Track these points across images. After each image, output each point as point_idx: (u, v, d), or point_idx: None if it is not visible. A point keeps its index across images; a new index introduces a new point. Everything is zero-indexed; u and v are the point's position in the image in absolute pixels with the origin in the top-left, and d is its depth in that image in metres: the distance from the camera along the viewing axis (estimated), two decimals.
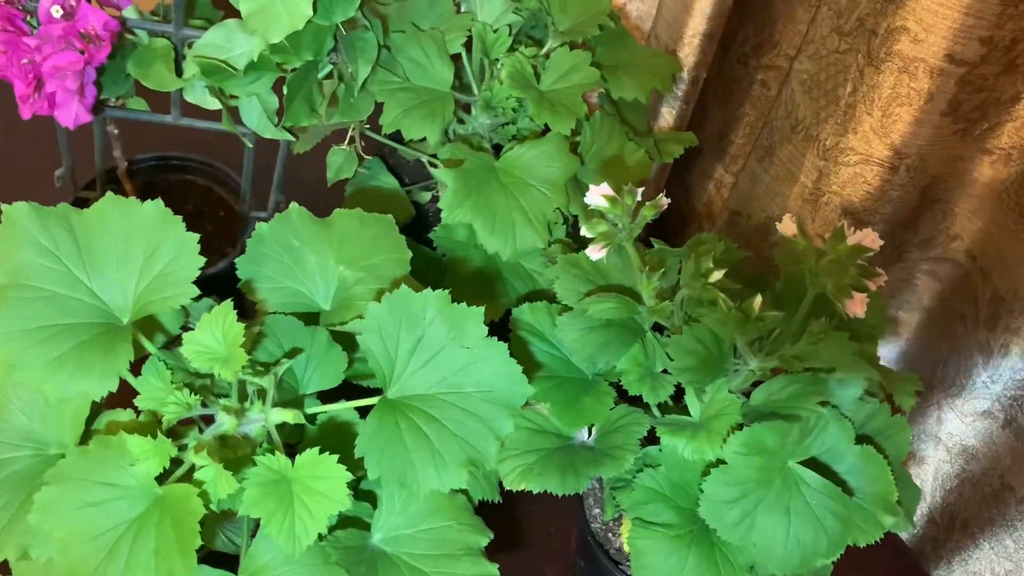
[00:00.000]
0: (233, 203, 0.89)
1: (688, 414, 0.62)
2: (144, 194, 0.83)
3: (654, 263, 0.57)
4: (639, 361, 0.62)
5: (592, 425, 0.63)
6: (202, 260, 0.52)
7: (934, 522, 0.89)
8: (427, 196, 0.91)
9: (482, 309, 0.54)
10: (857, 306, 0.50)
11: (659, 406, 0.61)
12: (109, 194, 0.52)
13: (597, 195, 0.56)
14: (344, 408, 0.53)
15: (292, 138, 0.73)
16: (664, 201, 0.59)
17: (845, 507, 0.56)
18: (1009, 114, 0.73)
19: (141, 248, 0.51)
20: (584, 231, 0.58)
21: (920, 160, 0.76)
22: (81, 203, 0.82)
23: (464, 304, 0.53)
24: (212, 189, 0.90)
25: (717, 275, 0.53)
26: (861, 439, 0.62)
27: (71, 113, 0.65)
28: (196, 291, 0.51)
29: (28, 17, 0.65)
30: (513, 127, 0.81)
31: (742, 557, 0.58)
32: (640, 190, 0.59)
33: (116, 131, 0.78)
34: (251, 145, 0.74)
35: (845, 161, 0.79)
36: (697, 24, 0.90)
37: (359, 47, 0.67)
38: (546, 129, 0.78)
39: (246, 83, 0.66)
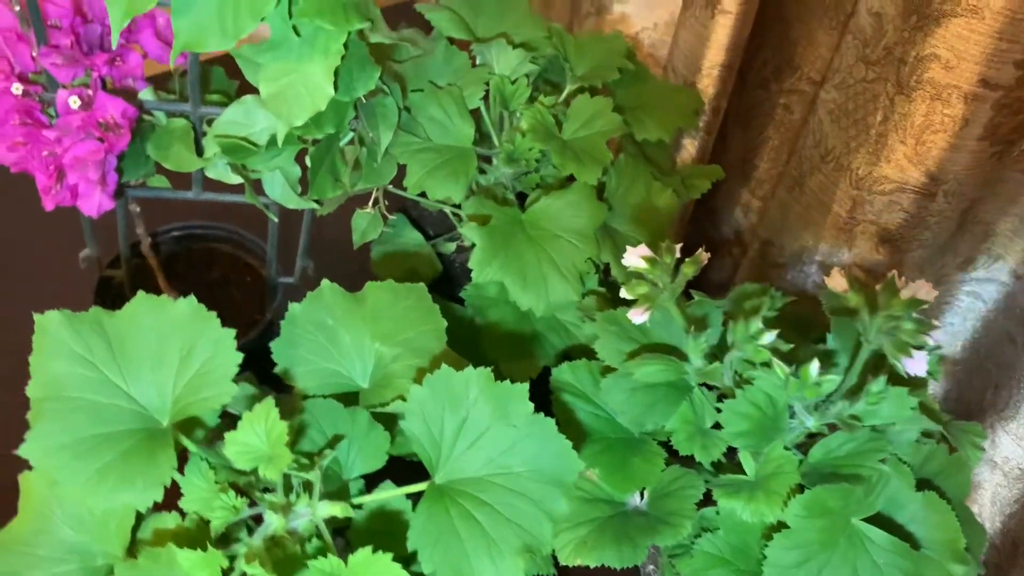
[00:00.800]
0: (259, 268, 0.88)
1: (742, 470, 0.60)
2: (168, 266, 0.83)
3: (699, 322, 0.56)
4: (688, 419, 0.61)
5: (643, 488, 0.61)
6: (240, 356, 0.51)
7: (995, 548, 0.86)
8: (452, 247, 0.90)
9: (526, 386, 0.52)
10: (918, 365, 0.48)
11: (712, 463, 0.59)
12: (140, 293, 0.51)
13: (635, 256, 0.55)
14: (392, 496, 0.52)
15: (316, 206, 0.72)
16: (705, 256, 0.57)
17: (914, 563, 0.54)
18: None
19: (176, 347, 0.50)
20: (624, 293, 0.57)
21: (958, 185, 0.74)
22: (107, 283, 0.81)
23: (507, 382, 0.52)
24: (237, 256, 0.89)
25: (769, 336, 0.51)
26: (921, 484, 0.60)
27: (94, 203, 0.64)
28: (235, 389, 0.50)
29: (45, 107, 0.65)
30: (536, 175, 0.79)
31: None
32: (678, 246, 0.58)
33: (138, 209, 0.77)
34: (275, 219, 0.73)
35: (880, 190, 0.77)
36: (715, 56, 0.89)
37: (380, 113, 0.66)
38: (571, 175, 0.77)
39: (268, 158, 0.65)
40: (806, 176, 0.83)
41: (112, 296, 0.83)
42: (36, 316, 0.50)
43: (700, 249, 0.57)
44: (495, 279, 0.71)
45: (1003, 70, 0.66)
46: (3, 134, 0.63)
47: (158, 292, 0.81)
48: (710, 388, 0.61)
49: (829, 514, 0.53)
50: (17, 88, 0.63)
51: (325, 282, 0.62)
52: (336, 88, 0.55)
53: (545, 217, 0.74)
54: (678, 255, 0.57)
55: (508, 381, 0.52)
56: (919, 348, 0.48)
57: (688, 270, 0.57)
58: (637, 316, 0.55)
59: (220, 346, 0.51)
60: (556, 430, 0.52)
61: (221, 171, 0.68)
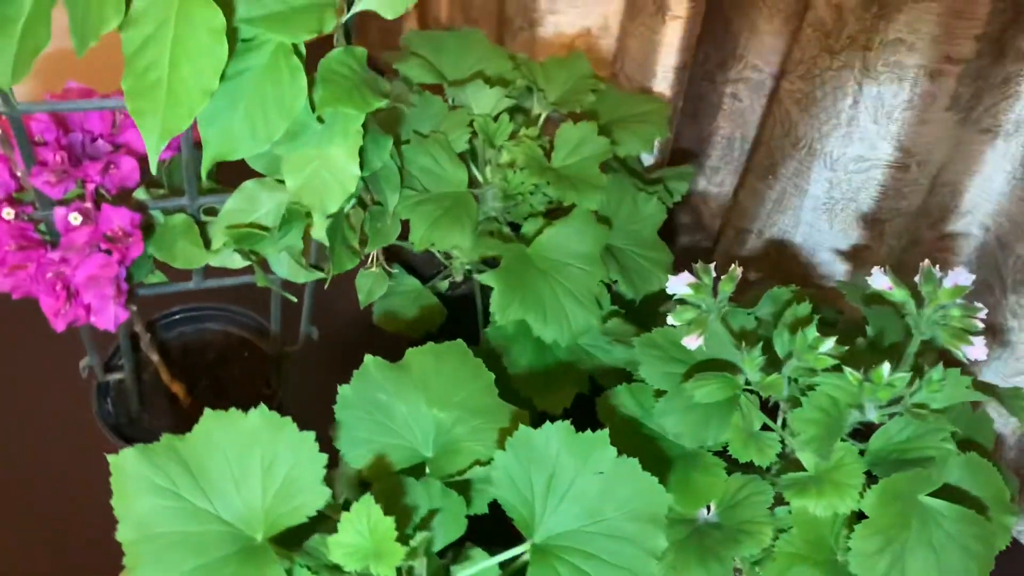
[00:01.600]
0: (254, 341, 0.86)
1: (794, 467, 0.62)
2: (161, 355, 0.81)
3: (749, 336, 0.58)
4: (739, 426, 0.63)
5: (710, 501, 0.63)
6: (324, 457, 0.50)
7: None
8: (445, 284, 0.90)
9: (606, 432, 0.53)
10: (977, 351, 0.51)
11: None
12: (208, 411, 0.50)
13: (681, 284, 0.56)
14: (491, 565, 0.52)
15: (324, 276, 0.71)
16: (738, 271, 0.59)
17: (982, 527, 0.58)
18: (1002, 94, 0.76)
19: (256, 460, 0.49)
20: (672, 320, 0.58)
21: (928, 154, 0.78)
22: (105, 387, 0.79)
23: (588, 432, 0.53)
24: (228, 332, 0.87)
25: (828, 344, 0.53)
26: (959, 445, 0.63)
27: (110, 316, 0.62)
28: (328, 492, 0.49)
29: (38, 226, 0.62)
30: (526, 205, 0.80)
31: None
32: (711, 264, 0.60)
33: (135, 307, 0.74)
34: (288, 294, 0.71)
35: (856, 168, 0.80)
36: (668, 59, 0.91)
37: (384, 177, 0.65)
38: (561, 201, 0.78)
39: (279, 239, 0.64)
40: (778, 164, 0.86)
41: (117, 400, 0.80)
42: (110, 457, 0.48)
43: (734, 265, 0.59)
44: (517, 318, 0.71)
45: (964, 45, 0.70)
46: (0, 260, 0.60)
47: (163, 390, 0.80)
48: (751, 392, 0.63)
49: (902, 498, 0.56)
50: (8, 213, 0.60)
51: (368, 357, 0.61)
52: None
53: (550, 247, 0.75)
54: (714, 273, 0.59)
55: (588, 432, 0.53)
56: (973, 333, 0.51)
57: (727, 287, 0.58)
58: (692, 342, 0.56)
59: (302, 450, 0.50)
60: (640, 469, 0.53)
61: (226, 258, 0.67)
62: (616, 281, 0.77)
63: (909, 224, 0.85)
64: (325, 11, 0.49)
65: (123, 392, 0.81)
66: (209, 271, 0.71)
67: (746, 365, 0.57)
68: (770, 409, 0.65)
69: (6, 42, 0.47)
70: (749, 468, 0.63)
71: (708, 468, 0.63)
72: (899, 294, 0.54)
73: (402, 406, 0.59)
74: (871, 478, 0.59)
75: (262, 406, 0.51)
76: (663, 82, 0.92)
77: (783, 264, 0.93)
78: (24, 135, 0.56)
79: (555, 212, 0.82)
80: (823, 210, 0.85)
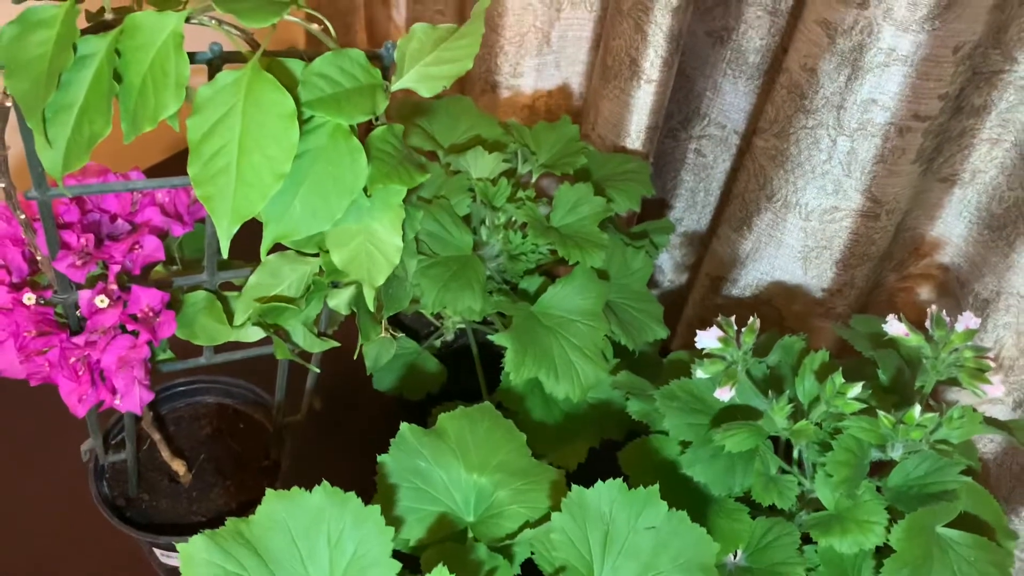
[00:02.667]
0: (250, 413, 0.85)
1: (815, 506, 0.66)
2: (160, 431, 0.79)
3: (775, 384, 0.61)
4: (759, 471, 0.65)
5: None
6: (391, 531, 0.50)
7: None
8: (438, 344, 0.91)
9: (656, 488, 0.55)
10: (996, 389, 0.55)
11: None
12: (269, 491, 0.50)
13: (711, 338, 0.59)
14: None
15: (337, 344, 0.71)
16: (757, 323, 0.62)
17: (995, 552, 0.62)
18: (959, 145, 0.82)
19: (323, 538, 0.49)
20: (700, 374, 0.61)
21: (896, 203, 0.84)
22: (99, 470, 0.76)
23: (640, 488, 0.54)
24: (223, 405, 0.86)
25: (856, 389, 0.56)
26: None
27: (135, 399, 0.60)
28: (398, 565, 0.49)
29: (56, 309, 0.61)
30: (525, 263, 0.82)
31: None
32: (732, 317, 0.63)
33: None
34: (316, 369, 0.71)
35: (830, 219, 0.86)
36: (642, 120, 0.95)
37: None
38: (557, 256, 0.80)
39: (304, 310, 0.64)
40: (753, 216, 0.91)
41: (113, 481, 0.78)
42: (180, 546, 0.47)
43: (753, 317, 0.62)
44: (530, 377, 0.73)
45: (930, 104, 0.75)
46: (19, 347, 0.58)
47: (161, 468, 0.78)
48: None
49: (925, 531, 0.59)
50: (29, 298, 0.58)
51: (404, 425, 0.61)
52: None
53: (554, 305, 0.77)
54: (735, 326, 0.61)
55: (640, 488, 0.54)
56: (987, 372, 0.55)
57: (748, 338, 0.61)
58: (725, 393, 0.59)
59: (367, 525, 0.50)
60: (690, 521, 0.55)
61: (244, 332, 0.66)
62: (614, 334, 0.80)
63: (875, 268, 0.91)
64: (376, 93, 0.51)
65: (118, 473, 0.79)
66: (219, 345, 0.70)
67: (775, 413, 0.60)
68: (782, 453, 0.68)
69: (58, 130, 0.47)
70: (768, 511, 0.66)
71: (732, 514, 0.65)
72: (915, 339, 0.58)
73: (441, 472, 0.60)
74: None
75: (324, 483, 0.50)
76: (636, 141, 0.96)
77: (758, 309, 0.98)
78: (52, 219, 0.56)
79: (546, 268, 0.84)
80: (798, 258, 0.90)
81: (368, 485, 0.60)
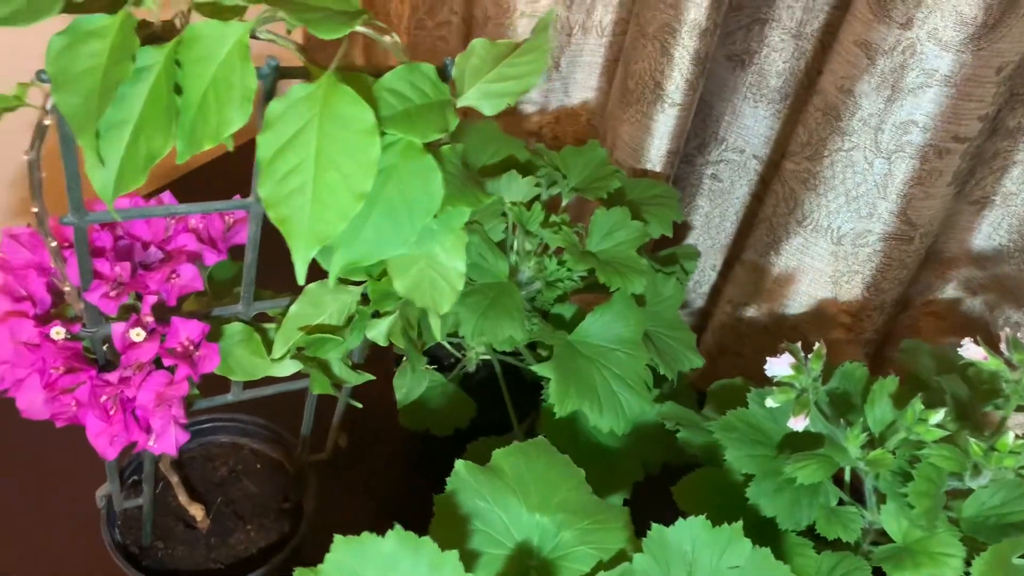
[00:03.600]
0: (267, 452, 0.81)
1: (878, 538, 0.63)
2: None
3: (847, 412, 0.58)
4: (822, 503, 0.63)
5: None
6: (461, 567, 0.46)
7: None
8: (460, 375, 0.87)
9: (739, 525, 0.52)
10: None
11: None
12: (338, 538, 0.46)
13: (783, 366, 0.57)
14: None
15: (372, 378, 0.67)
16: (823, 349, 0.60)
17: None
18: (991, 167, 0.82)
19: None
20: (771, 402, 0.58)
21: (930, 226, 0.83)
22: (111, 516, 0.72)
23: (725, 526, 0.51)
24: (239, 444, 0.81)
25: (939, 416, 0.54)
26: None
27: (171, 439, 0.56)
28: None
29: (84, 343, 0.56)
30: (557, 290, 0.79)
31: None
32: (799, 343, 0.60)
33: None
34: (359, 405, 0.67)
35: (863, 243, 0.84)
36: (664, 145, 0.93)
37: None
38: (590, 283, 0.78)
39: (348, 341, 0.61)
40: (782, 240, 0.89)
41: (125, 528, 0.73)
42: None
43: (818, 343, 0.60)
44: (574, 409, 0.69)
45: (970, 125, 0.75)
46: (46, 385, 0.54)
47: (175, 513, 0.73)
48: None
49: (1005, 563, 0.57)
50: (58, 332, 0.54)
51: (459, 463, 0.58)
52: None
53: (592, 334, 0.74)
54: (803, 353, 0.59)
55: (725, 526, 0.52)
56: None
57: (816, 365, 0.59)
58: (798, 423, 0.57)
59: (444, 571, 0.46)
60: (774, 558, 0.52)
61: (278, 366, 0.63)
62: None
63: (904, 292, 0.90)
64: (446, 109, 0.48)
65: (130, 519, 0.74)
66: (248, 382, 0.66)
67: (849, 442, 0.57)
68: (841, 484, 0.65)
69: (111, 148, 0.43)
70: (830, 545, 0.64)
71: (797, 549, 0.63)
72: (993, 363, 0.56)
73: (501, 513, 0.56)
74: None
75: (397, 527, 0.47)
76: (656, 166, 0.94)
77: (784, 336, 0.96)
78: (86, 247, 0.51)
79: (578, 295, 0.82)
80: (828, 283, 0.88)
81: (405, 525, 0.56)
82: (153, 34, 0.46)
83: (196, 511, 0.74)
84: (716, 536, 0.52)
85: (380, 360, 0.75)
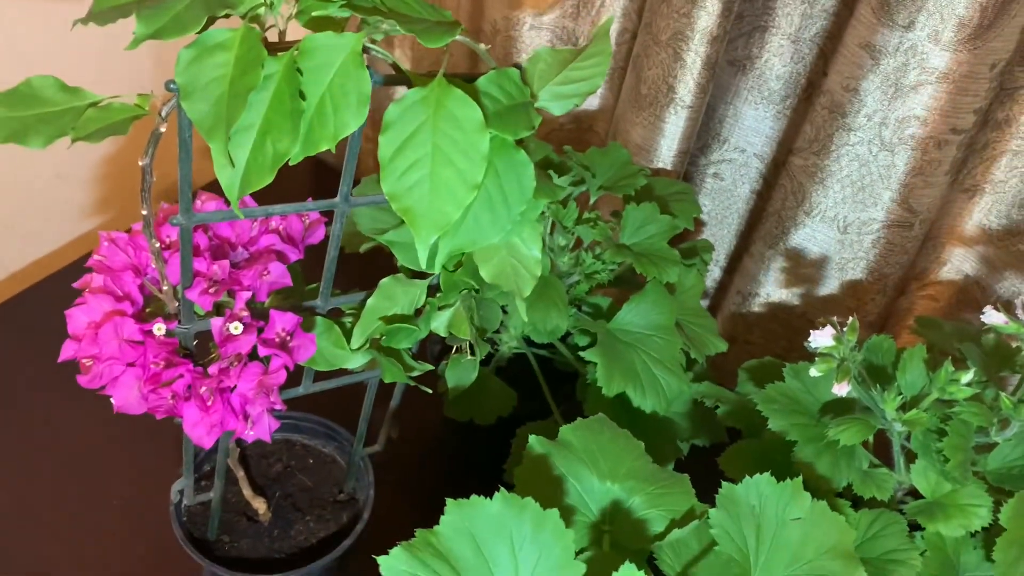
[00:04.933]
0: (321, 447, 0.84)
1: (908, 496, 0.69)
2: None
3: (882, 377, 0.64)
4: (856, 466, 0.69)
5: None
6: (571, 533, 0.51)
7: None
8: (494, 368, 0.92)
9: (800, 480, 0.57)
10: None
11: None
12: (450, 501, 0.50)
13: (825, 337, 0.62)
14: None
15: (432, 367, 0.71)
16: (857, 323, 0.66)
17: None
18: (982, 157, 0.88)
19: (507, 544, 0.49)
20: (814, 372, 0.64)
21: (928, 213, 0.89)
22: (178, 511, 0.75)
23: (787, 480, 0.56)
24: (291, 440, 0.85)
25: (969, 375, 0.60)
26: None
27: (265, 426, 0.60)
28: (582, 567, 0.50)
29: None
30: (592, 282, 0.84)
31: None
32: (835, 318, 0.66)
33: None
34: (424, 387, 0.71)
35: (868, 230, 0.91)
36: (674, 145, 0.99)
37: None
38: (617, 276, 0.83)
39: (421, 332, 0.65)
40: (790, 231, 0.95)
41: (191, 522, 0.76)
42: (380, 559, 0.47)
43: (852, 316, 0.65)
44: (620, 391, 0.74)
45: (965, 118, 0.81)
46: (148, 379, 0.57)
47: (238, 507, 0.76)
48: None
49: None
50: (160, 328, 0.57)
51: (533, 437, 0.62)
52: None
53: (629, 322, 0.79)
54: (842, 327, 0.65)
55: (788, 480, 0.57)
56: None
57: (852, 337, 0.65)
58: (842, 388, 0.62)
59: (547, 529, 0.50)
60: (831, 510, 0.58)
61: (353, 357, 0.66)
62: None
63: (902, 277, 0.96)
64: (530, 109, 0.53)
65: (194, 515, 0.77)
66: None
67: (887, 405, 0.63)
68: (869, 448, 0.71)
69: (237, 150, 0.47)
70: (864, 504, 0.69)
71: (837, 507, 0.68)
72: (1014, 327, 0.62)
73: (575, 482, 0.61)
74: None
75: (502, 490, 0.51)
76: (667, 165, 1.00)
77: (791, 322, 1.02)
78: (190, 247, 0.55)
79: (610, 286, 0.87)
80: (835, 269, 0.95)
81: None
82: (273, 45, 0.51)
83: (259, 505, 0.77)
84: (780, 491, 0.57)
85: (421, 357, 0.79)
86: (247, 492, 0.76)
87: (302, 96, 0.47)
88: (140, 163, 0.52)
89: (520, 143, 0.52)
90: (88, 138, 0.47)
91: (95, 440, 0.91)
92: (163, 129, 0.51)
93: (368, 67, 0.50)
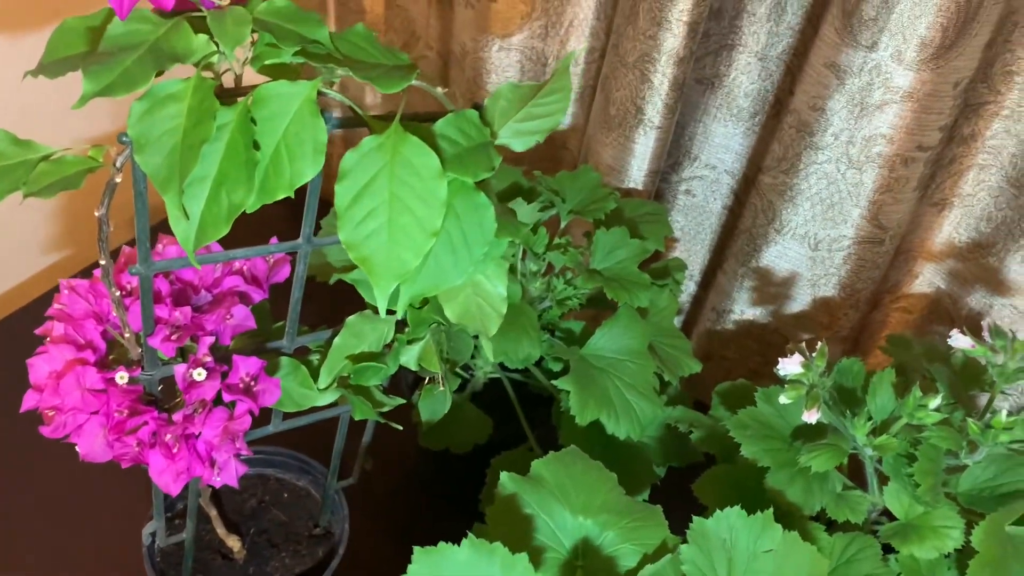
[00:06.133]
0: (295, 481, 0.84)
1: (883, 517, 0.69)
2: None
3: (852, 403, 0.64)
4: (830, 489, 0.69)
5: None
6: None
7: None
8: (469, 395, 0.91)
9: (771, 512, 0.57)
10: None
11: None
12: (417, 550, 0.49)
13: (794, 364, 0.62)
14: None
15: (404, 400, 0.71)
16: (826, 348, 0.66)
17: None
18: (949, 172, 0.89)
19: None
20: (784, 399, 0.64)
21: (898, 228, 0.90)
22: (151, 552, 0.74)
23: (758, 514, 0.56)
24: (265, 475, 0.84)
25: (937, 400, 0.60)
26: None
27: (232, 472, 0.59)
28: None
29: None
30: (563, 309, 0.84)
31: None
32: (803, 342, 0.66)
33: None
34: (394, 423, 0.71)
35: (838, 247, 0.91)
36: (644, 165, 0.99)
37: None
38: (589, 299, 0.83)
39: (388, 367, 0.64)
40: (762, 249, 0.96)
41: (164, 563, 0.75)
42: None
43: (821, 342, 0.65)
44: (594, 418, 0.74)
45: (931, 135, 0.82)
46: (112, 427, 0.57)
47: (212, 546, 0.76)
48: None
49: (999, 530, 0.63)
50: (123, 377, 0.57)
51: (504, 474, 0.62)
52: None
53: (601, 347, 0.79)
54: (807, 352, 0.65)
55: (758, 514, 0.57)
56: None
57: (820, 362, 0.65)
58: (811, 416, 0.62)
59: (516, 574, 0.50)
60: (801, 540, 0.58)
61: (320, 396, 0.66)
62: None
63: (875, 290, 0.97)
64: (489, 150, 0.53)
65: (167, 555, 0.76)
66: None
67: (856, 430, 0.63)
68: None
69: (192, 202, 0.47)
70: (839, 528, 0.69)
71: (810, 533, 0.68)
72: (980, 350, 0.62)
73: (547, 519, 0.61)
74: None
75: (470, 536, 0.51)
76: (638, 185, 1.00)
77: (765, 338, 1.02)
78: (150, 295, 0.55)
79: (582, 308, 0.86)
80: (807, 286, 0.95)
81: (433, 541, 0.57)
82: (227, 92, 0.50)
83: (233, 543, 0.76)
84: (750, 524, 0.57)
85: (394, 387, 0.78)
86: (221, 531, 0.75)
87: (256, 146, 0.46)
88: (96, 214, 0.51)
89: (481, 184, 0.52)
90: (40, 193, 0.47)
91: (64, 482, 0.90)
92: (118, 180, 0.50)
93: (324, 111, 0.50)
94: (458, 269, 0.50)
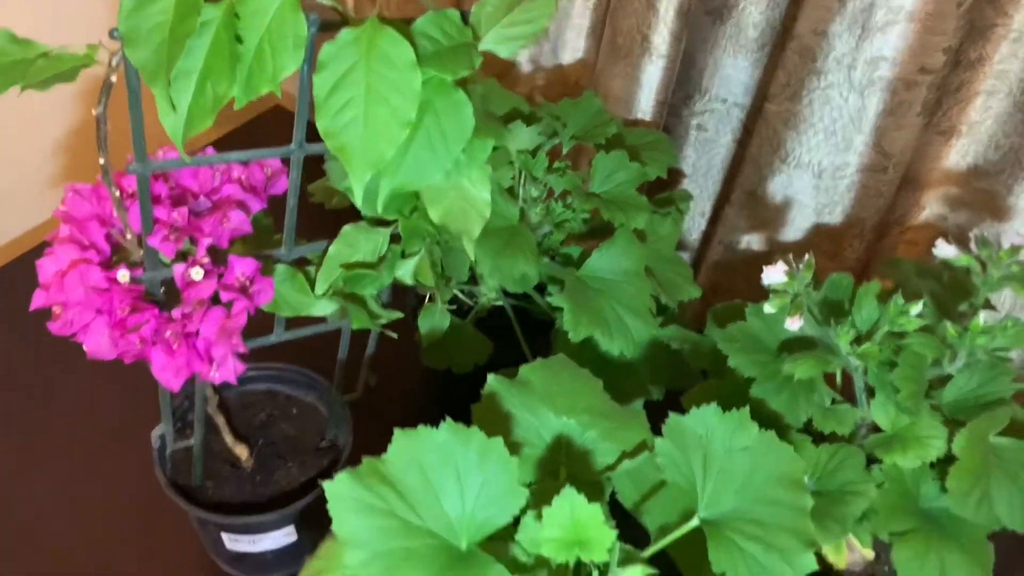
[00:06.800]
0: (303, 397, 0.86)
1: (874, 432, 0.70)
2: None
3: (835, 312, 0.65)
4: (817, 402, 0.70)
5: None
6: (515, 461, 0.53)
7: None
8: (474, 320, 0.93)
9: (747, 410, 0.59)
10: None
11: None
12: (398, 431, 0.52)
13: (777, 273, 0.63)
14: (668, 542, 0.56)
15: (401, 315, 0.73)
16: (813, 260, 0.66)
17: None
18: (956, 99, 0.88)
19: (452, 472, 0.51)
20: (770, 308, 0.65)
21: (902, 156, 0.89)
22: (162, 458, 0.77)
23: (734, 411, 0.58)
24: (274, 391, 0.87)
25: (918, 307, 0.61)
26: None
27: (230, 368, 0.62)
28: (525, 492, 0.52)
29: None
30: (563, 233, 0.85)
31: (979, 531, 0.67)
32: (790, 255, 0.67)
33: None
34: (390, 332, 0.73)
35: (842, 175, 0.91)
36: (652, 95, 0.99)
37: None
38: (591, 228, 0.84)
39: (382, 277, 0.66)
40: (767, 179, 0.96)
41: (176, 468, 0.79)
42: (326, 484, 0.49)
43: (808, 254, 0.66)
44: (587, 335, 0.76)
45: (934, 57, 0.81)
46: (115, 325, 0.59)
47: (221, 455, 0.79)
48: None
49: (982, 439, 0.64)
50: (124, 275, 0.60)
51: (491, 376, 0.64)
52: None
53: (599, 268, 0.81)
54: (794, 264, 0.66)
55: (733, 411, 0.58)
56: None
57: (807, 273, 0.65)
58: (794, 323, 0.63)
59: (492, 457, 0.52)
60: (779, 440, 0.59)
61: (320, 305, 0.68)
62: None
63: (882, 220, 0.96)
64: (471, 50, 0.54)
65: (178, 461, 0.79)
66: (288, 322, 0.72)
67: (840, 339, 0.64)
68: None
69: (179, 96, 0.49)
70: (827, 440, 0.70)
71: (797, 444, 0.69)
72: (965, 259, 0.63)
73: (531, 417, 0.62)
74: None
75: (448, 420, 0.53)
76: (647, 116, 1.01)
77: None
78: (148, 194, 0.57)
79: (585, 237, 0.88)
80: (812, 214, 0.95)
81: None
82: None
83: (240, 451, 0.79)
84: (726, 421, 0.58)
85: (398, 305, 0.81)
86: (228, 439, 0.79)
87: (239, 40, 0.48)
88: (94, 112, 0.53)
89: (463, 84, 0.54)
90: (36, 86, 0.49)
91: (76, 398, 0.94)
92: (114, 79, 0.52)
93: (306, 11, 0.51)
94: (437, 165, 0.52)
